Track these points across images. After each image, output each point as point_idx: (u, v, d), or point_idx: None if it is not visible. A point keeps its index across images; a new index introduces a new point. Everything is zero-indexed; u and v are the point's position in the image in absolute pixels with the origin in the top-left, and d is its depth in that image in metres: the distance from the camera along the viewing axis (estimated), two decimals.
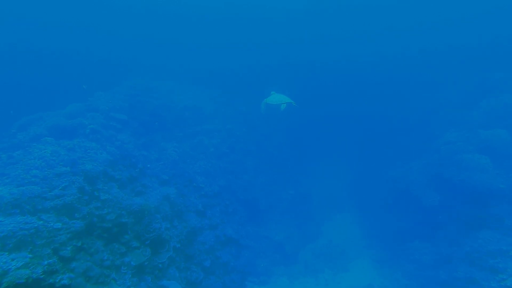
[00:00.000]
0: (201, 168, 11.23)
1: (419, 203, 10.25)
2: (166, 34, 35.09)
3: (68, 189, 5.39)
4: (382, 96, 24.22)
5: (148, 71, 17.58)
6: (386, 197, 15.20)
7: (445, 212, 8.94)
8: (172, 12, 31.97)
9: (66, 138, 6.66)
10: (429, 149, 13.20)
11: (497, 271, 6.12)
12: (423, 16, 29.03)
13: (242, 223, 12.63)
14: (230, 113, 18.80)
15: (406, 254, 9.94)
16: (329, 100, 25.80)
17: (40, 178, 5.16)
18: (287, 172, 20.64)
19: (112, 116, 8.59)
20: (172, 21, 33.94)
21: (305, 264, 13.71)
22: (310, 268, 13.13)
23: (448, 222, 8.75)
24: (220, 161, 13.37)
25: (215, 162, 12.59)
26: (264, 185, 16.80)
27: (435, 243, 9.18)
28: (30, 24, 28.38)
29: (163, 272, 6.73)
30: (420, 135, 18.04)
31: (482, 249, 6.80)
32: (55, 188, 5.19)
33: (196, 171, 10.88)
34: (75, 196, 5.40)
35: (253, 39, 33.85)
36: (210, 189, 10.93)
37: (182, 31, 36.06)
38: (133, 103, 10.84)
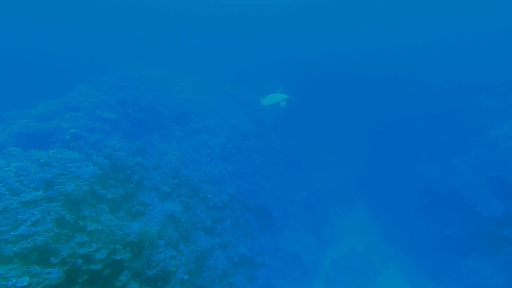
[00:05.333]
0: (207, 174, 10.04)
1: (472, 211, 9.21)
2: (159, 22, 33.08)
3: (41, 223, 4.16)
4: (403, 81, 23.17)
5: (134, 56, 15.93)
6: (419, 199, 14.24)
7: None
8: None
9: (38, 147, 5.37)
10: (475, 143, 12.10)
11: None
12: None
13: (255, 236, 11.61)
14: (233, 105, 17.56)
15: (456, 273, 8.96)
16: (342, 90, 24.87)
17: None
18: (298, 169, 19.78)
19: (98, 116, 7.23)
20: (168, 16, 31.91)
21: (327, 279, 12.86)
22: (333, 286, 12.24)
23: None
24: (227, 164, 12.22)
25: (222, 166, 11.41)
26: (275, 188, 15.88)
27: (499, 264, 8.17)
28: None
29: None
30: (453, 125, 16.96)
31: None
32: (21, 225, 3.96)
33: (201, 179, 9.67)
34: (51, 233, 4.17)
35: (255, 35, 32.51)
36: (219, 199, 9.79)
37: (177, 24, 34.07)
38: (123, 97, 9.46)
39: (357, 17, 30.46)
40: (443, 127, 17.68)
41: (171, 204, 7.62)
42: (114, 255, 5.04)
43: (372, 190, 20.03)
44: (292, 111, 21.24)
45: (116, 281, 4.98)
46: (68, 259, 4.27)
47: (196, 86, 16.10)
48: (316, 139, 24.04)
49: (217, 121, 13.57)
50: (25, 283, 3.46)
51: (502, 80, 16.65)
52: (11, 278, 3.46)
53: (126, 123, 7.94)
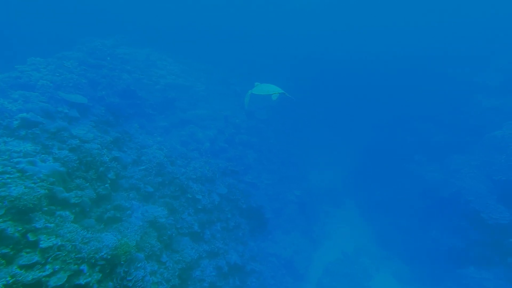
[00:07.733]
0: (196, 171, 8.99)
1: (477, 217, 8.83)
2: None
3: None
4: (397, 80, 22.93)
5: (111, 33, 13.68)
6: (416, 202, 13.94)
7: None
8: None
9: None
10: (477, 144, 11.78)
11: None
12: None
13: (246, 241, 10.82)
14: (226, 95, 16.43)
15: (456, 283, 8.61)
16: (338, 88, 24.42)
17: None
18: (292, 166, 19.19)
19: (62, 98, 5.92)
20: None
21: (319, 285, 12.38)
22: None
23: None
24: (218, 159, 11.20)
25: (212, 162, 10.37)
26: (268, 187, 15.15)
27: (502, 274, 7.83)
28: None
29: None
30: (449, 124, 16.85)
31: None
32: None
33: (189, 177, 8.62)
34: None
35: (255, 28, 31.09)
36: (209, 201, 8.81)
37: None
38: (95, 78, 8.09)
39: (359, 18, 30.05)
40: (438, 127, 17.52)
41: (154, 208, 6.55)
42: (77, 279, 3.96)
43: (363, 190, 19.77)
44: (285, 104, 20.48)
45: None
46: None
47: (186, 72, 14.74)
48: (309, 135, 23.51)
49: (208, 111, 12.44)
50: None
51: (502, 80, 16.59)
52: None
53: (99, 108, 6.68)
